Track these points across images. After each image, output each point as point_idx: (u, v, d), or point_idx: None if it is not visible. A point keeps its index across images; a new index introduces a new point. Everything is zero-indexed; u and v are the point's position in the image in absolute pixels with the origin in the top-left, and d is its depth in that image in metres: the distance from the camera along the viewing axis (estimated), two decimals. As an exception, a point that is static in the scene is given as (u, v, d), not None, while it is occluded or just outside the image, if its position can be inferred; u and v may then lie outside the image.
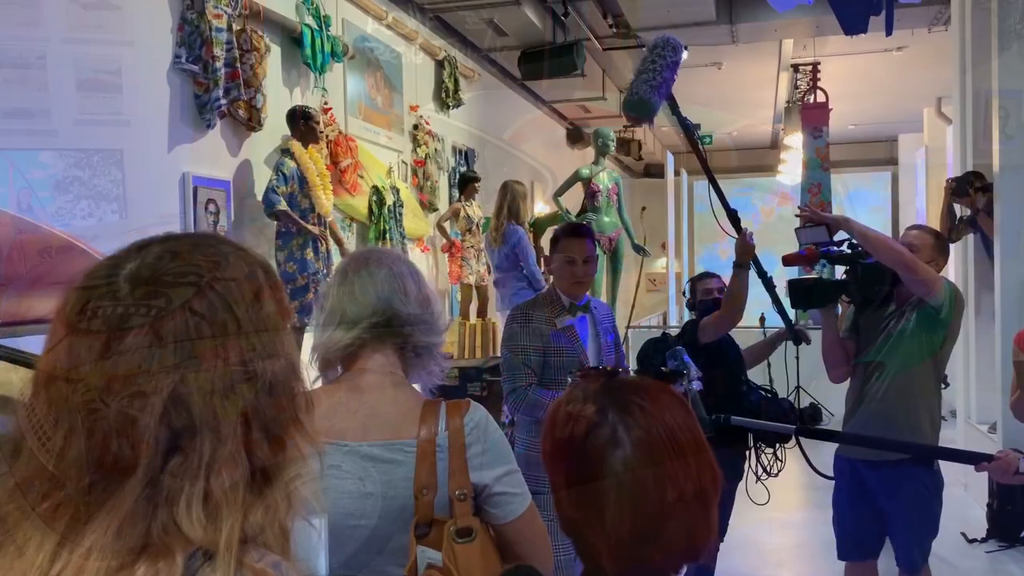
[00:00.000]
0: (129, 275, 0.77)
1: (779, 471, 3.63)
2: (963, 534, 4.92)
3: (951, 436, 6.98)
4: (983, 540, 4.87)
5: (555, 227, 7.78)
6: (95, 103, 3.63)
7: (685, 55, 3.34)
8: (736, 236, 3.54)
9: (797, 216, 3.40)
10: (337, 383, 1.48)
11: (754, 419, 3.34)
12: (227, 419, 0.77)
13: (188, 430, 0.74)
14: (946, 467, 3.09)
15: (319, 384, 1.50)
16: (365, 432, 1.40)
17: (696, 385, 2.97)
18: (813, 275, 5.36)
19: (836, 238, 3.25)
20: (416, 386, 1.53)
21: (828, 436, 3.54)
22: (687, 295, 3.95)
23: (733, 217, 3.63)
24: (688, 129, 3.61)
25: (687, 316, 4.03)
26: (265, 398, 0.80)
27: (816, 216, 3.29)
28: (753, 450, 3.67)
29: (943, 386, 3.23)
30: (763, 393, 3.66)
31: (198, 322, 0.76)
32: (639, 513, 0.97)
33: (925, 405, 3.02)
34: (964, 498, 5.56)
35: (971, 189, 5.57)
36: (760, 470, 3.64)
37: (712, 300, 3.74)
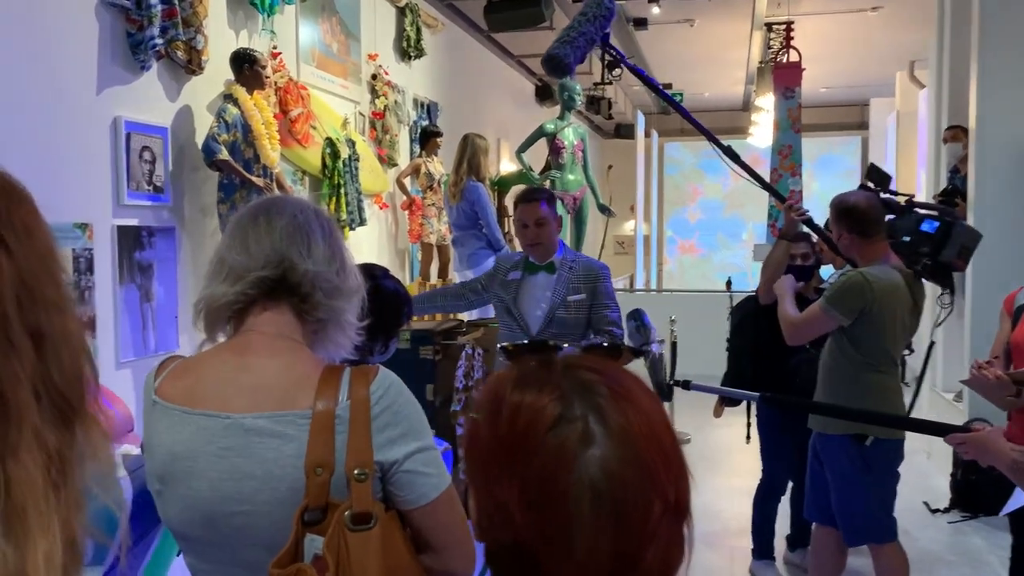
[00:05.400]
0: None
1: None
2: (926, 504, 4.85)
3: (916, 404, 6.92)
4: (946, 510, 4.80)
5: (520, 185, 7.56)
6: (12, 38, 3.32)
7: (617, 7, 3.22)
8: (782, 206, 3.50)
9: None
10: (221, 346, 1.27)
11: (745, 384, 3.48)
12: (14, 387, 0.57)
13: None
14: (909, 435, 3.03)
15: (206, 348, 1.28)
16: (250, 402, 1.19)
17: (655, 348, 2.83)
18: None
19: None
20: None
21: (794, 405, 3.49)
22: None
23: (770, 189, 3.55)
24: (648, 81, 3.42)
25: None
26: (55, 365, 0.60)
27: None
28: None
29: (906, 352, 3.19)
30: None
31: None
32: (622, 532, 0.75)
33: (844, 384, 3.01)
34: (927, 467, 5.49)
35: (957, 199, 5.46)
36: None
37: (796, 267, 3.60)
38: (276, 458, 1.16)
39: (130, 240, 3.93)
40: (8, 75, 3.29)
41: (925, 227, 3.06)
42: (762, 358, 3.84)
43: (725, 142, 3.54)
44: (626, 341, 3.06)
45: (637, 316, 2.97)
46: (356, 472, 1.14)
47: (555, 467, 0.75)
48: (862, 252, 2.98)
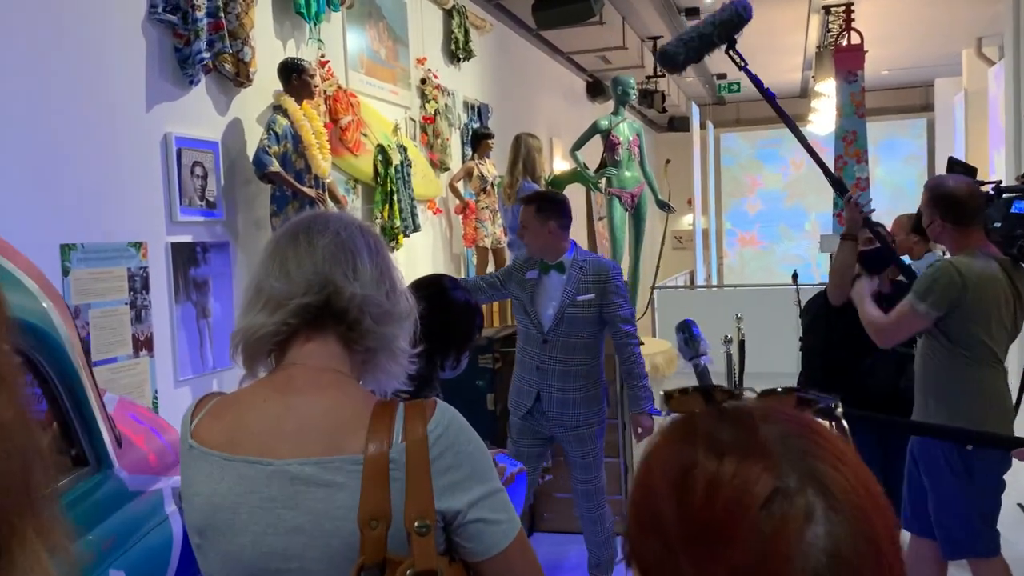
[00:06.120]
0: None
1: None
2: (1020, 505, 4.56)
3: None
4: (1043, 512, 4.52)
5: (575, 184, 7.41)
6: (61, 58, 3.30)
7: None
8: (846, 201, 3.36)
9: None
10: (261, 382, 1.15)
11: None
12: None
13: None
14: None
15: (247, 383, 1.17)
16: (295, 446, 1.07)
17: (704, 360, 2.65)
18: None
19: None
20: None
21: (858, 417, 3.36)
22: None
23: (837, 183, 3.40)
24: (759, 85, 3.29)
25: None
26: None
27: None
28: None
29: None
30: (912, 357, 3.44)
31: None
32: None
33: (941, 378, 2.81)
34: (1020, 465, 5.18)
35: None
36: None
37: (872, 250, 3.45)
38: (326, 509, 1.04)
39: (185, 257, 3.90)
40: (58, 95, 3.27)
41: (1016, 209, 2.86)
42: (834, 359, 3.65)
43: (784, 130, 3.39)
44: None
45: (686, 328, 2.79)
46: (417, 525, 1.02)
47: (773, 555, 0.60)
48: (955, 241, 2.79)
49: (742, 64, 3.10)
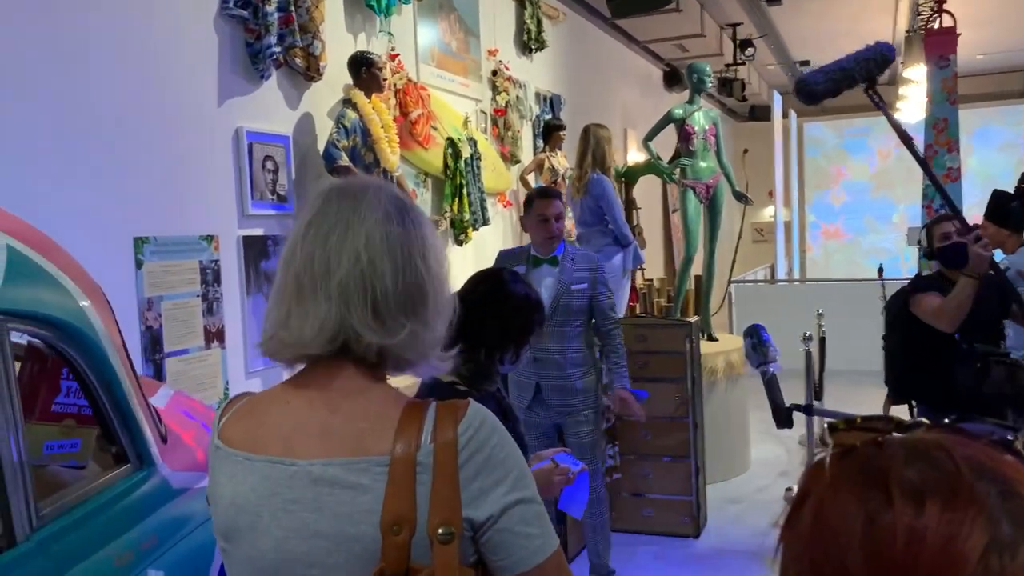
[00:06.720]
0: None
1: None
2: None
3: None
4: None
5: (650, 175, 7.27)
6: (134, 55, 3.36)
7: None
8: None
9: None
10: (287, 381, 1.12)
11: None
12: None
13: None
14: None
15: (286, 375, 1.14)
16: (319, 446, 1.02)
17: (774, 367, 2.52)
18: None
19: None
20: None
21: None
22: (923, 243, 3.60)
23: (960, 217, 3.25)
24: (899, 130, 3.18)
25: (914, 266, 3.83)
26: None
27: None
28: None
29: None
30: (997, 358, 3.24)
31: None
32: None
33: None
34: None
35: None
36: None
37: (949, 246, 3.31)
38: (349, 513, 0.99)
39: (256, 250, 3.94)
40: (132, 91, 3.33)
41: None
42: (915, 359, 3.46)
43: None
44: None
45: (754, 333, 2.65)
46: (440, 531, 0.96)
47: None
48: None
49: (881, 104, 3.05)
